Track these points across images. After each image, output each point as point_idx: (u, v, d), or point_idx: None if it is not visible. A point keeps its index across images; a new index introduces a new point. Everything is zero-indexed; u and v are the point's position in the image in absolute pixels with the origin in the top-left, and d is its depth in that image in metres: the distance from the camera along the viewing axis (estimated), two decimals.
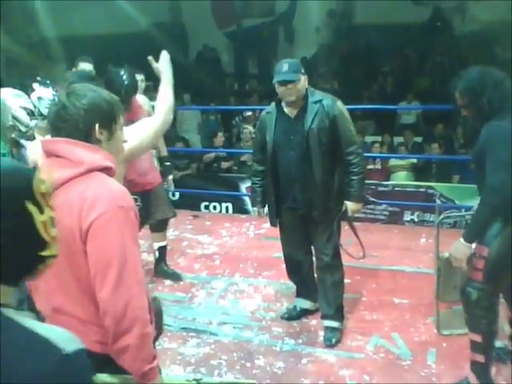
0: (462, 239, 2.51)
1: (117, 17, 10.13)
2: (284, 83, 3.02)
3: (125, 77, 3.72)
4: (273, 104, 3.22)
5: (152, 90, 7.08)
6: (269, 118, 3.22)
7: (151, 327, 1.50)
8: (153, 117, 2.22)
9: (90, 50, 6.32)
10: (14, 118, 2.56)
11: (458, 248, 2.52)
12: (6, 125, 2.80)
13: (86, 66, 4.49)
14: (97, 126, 1.53)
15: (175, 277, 4.17)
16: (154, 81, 7.25)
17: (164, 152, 4.25)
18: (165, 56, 2.32)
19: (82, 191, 1.45)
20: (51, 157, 1.52)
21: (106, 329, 1.43)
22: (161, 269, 4.20)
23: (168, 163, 4.31)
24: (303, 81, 3.07)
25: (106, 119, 1.56)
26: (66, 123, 1.51)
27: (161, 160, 4.25)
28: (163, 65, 2.30)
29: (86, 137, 1.52)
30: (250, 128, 7.02)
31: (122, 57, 4.14)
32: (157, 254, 4.19)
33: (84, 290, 1.48)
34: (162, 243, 4.16)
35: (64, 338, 0.90)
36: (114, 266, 1.42)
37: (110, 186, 1.50)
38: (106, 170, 1.52)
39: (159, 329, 1.68)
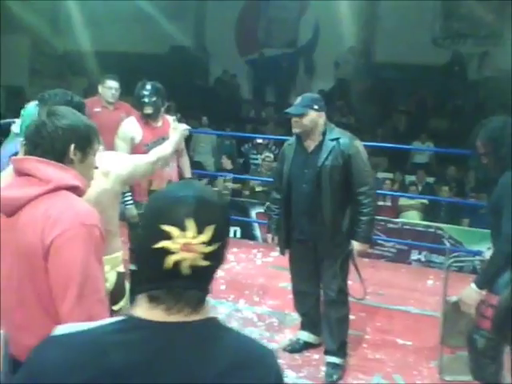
0: (473, 285, 2.52)
1: (142, 37, 10.36)
2: (290, 115, 3.10)
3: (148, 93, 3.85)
4: (294, 136, 3.28)
5: (173, 111, 7.21)
6: (288, 149, 3.28)
7: None
8: (148, 155, 2.53)
9: (114, 66, 6.46)
10: None
11: (469, 293, 2.53)
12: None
13: (112, 84, 4.60)
14: (72, 146, 1.57)
15: None
16: (175, 101, 7.39)
17: (188, 174, 4.29)
18: (177, 125, 2.87)
19: (47, 209, 1.47)
20: (22, 176, 1.54)
21: None
22: None
23: None
24: (314, 116, 3.09)
25: (82, 141, 1.60)
26: (43, 140, 1.54)
27: None
28: (174, 130, 2.84)
29: (61, 156, 1.55)
30: (271, 156, 7.10)
31: (145, 76, 4.24)
32: None
33: (44, 306, 1.48)
34: None
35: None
36: (74, 283, 1.42)
37: (75, 204, 1.51)
38: (75, 189, 1.55)
39: None
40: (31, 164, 1.53)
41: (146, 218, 0.96)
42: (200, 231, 0.91)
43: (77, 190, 1.56)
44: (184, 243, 0.90)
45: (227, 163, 7.47)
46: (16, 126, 2.48)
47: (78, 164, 1.59)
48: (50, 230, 1.44)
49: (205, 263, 0.92)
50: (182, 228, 0.91)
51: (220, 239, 0.94)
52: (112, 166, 2.22)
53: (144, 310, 0.93)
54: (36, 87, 11.16)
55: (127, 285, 2.33)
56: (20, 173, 1.55)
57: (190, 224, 0.91)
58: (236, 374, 0.90)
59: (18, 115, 2.41)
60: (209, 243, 0.92)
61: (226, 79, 10.83)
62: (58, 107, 1.67)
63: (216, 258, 0.95)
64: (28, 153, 1.56)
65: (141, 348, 0.89)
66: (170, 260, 0.90)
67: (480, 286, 2.50)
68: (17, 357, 1.42)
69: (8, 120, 3.94)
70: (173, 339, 0.91)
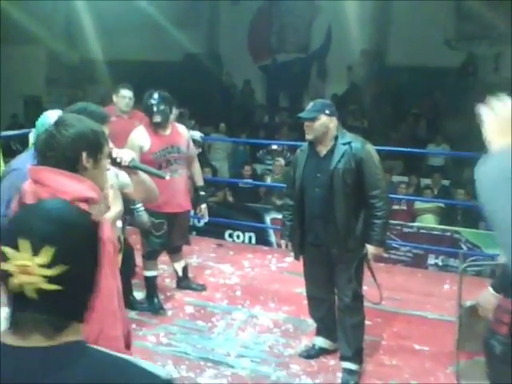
0: (490, 288, 2.50)
1: (156, 45, 10.46)
2: (302, 119, 3.15)
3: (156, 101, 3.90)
4: (307, 142, 3.30)
5: (186, 118, 7.26)
6: (301, 155, 3.31)
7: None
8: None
9: (128, 75, 6.54)
10: None
11: (487, 297, 2.51)
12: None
13: (126, 93, 4.68)
14: (84, 154, 1.58)
15: (199, 289, 4.50)
16: (188, 108, 7.45)
17: (200, 181, 4.33)
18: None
19: None
20: (37, 184, 1.53)
21: None
22: (185, 285, 4.51)
23: (203, 193, 4.36)
24: (325, 120, 3.12)
25: (93, 148, 1.61)
26: (54, 151, 1.55)
27: (196, 189, 4.33)
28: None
29: (74, 165, 1.56)
30: (282, 161, 7.15)
31: (159, 84, 4.30)
32: (180, 273, 4.46)
33: None
34: (183, 263, 4.47)
35: (154, 367, 0.94)
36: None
37: None
38: (91, 201, 1.53)
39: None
40: (45, 174, 1.53)
41: None
42: (36, 253, 0.86)
43: (92, 201, 1.55)
44: (20, 265, 0.86)
45: (247, 174, 7.56)
46: (32, 136, 2.55)
47: (92, 170, 1.60)
48: None
49: (51, 287, 0.86)
50: (16, 248, 0.86)
51: (67, 262, 0.87)
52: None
53: (4, 334, 0.90)
54: (53, 96, 11.37)
55: None
56: (36, 182, 1.55)
57: (24, 245, 0.86)
58: None
59: (35, 125, 2.48)
60: (49, 266, 0.86)
61: (240, 85, 10.89)
62: (65, 115, 1.68)
63: (68, 282, 0.88)
64: (41, 164, 1.57)
65: None
66: (12, 283, 0.87)
67: (497, 289, 2.48)
68: None
69: (27, 130, 4.04)
70: (18, 365, 0.86)
